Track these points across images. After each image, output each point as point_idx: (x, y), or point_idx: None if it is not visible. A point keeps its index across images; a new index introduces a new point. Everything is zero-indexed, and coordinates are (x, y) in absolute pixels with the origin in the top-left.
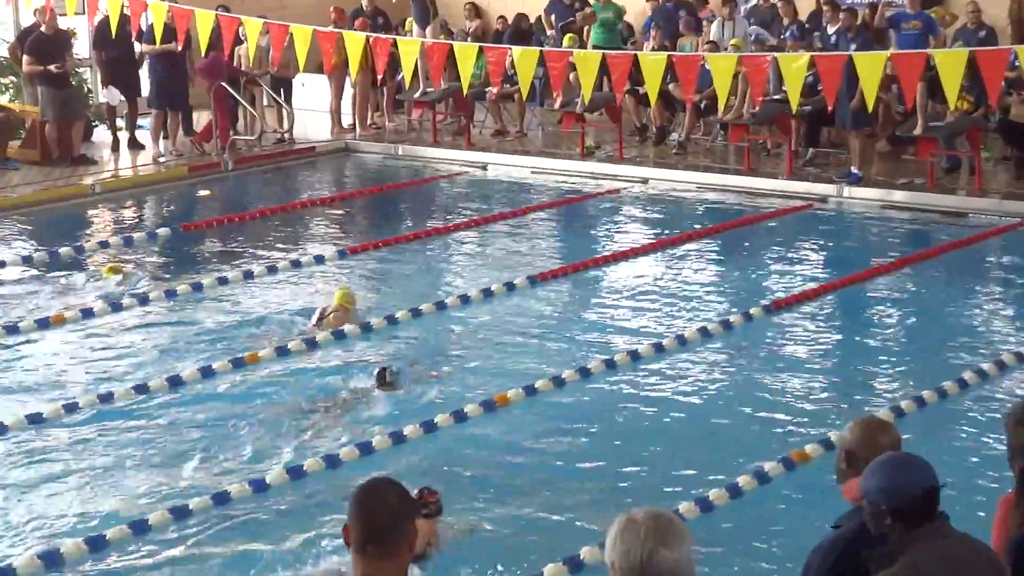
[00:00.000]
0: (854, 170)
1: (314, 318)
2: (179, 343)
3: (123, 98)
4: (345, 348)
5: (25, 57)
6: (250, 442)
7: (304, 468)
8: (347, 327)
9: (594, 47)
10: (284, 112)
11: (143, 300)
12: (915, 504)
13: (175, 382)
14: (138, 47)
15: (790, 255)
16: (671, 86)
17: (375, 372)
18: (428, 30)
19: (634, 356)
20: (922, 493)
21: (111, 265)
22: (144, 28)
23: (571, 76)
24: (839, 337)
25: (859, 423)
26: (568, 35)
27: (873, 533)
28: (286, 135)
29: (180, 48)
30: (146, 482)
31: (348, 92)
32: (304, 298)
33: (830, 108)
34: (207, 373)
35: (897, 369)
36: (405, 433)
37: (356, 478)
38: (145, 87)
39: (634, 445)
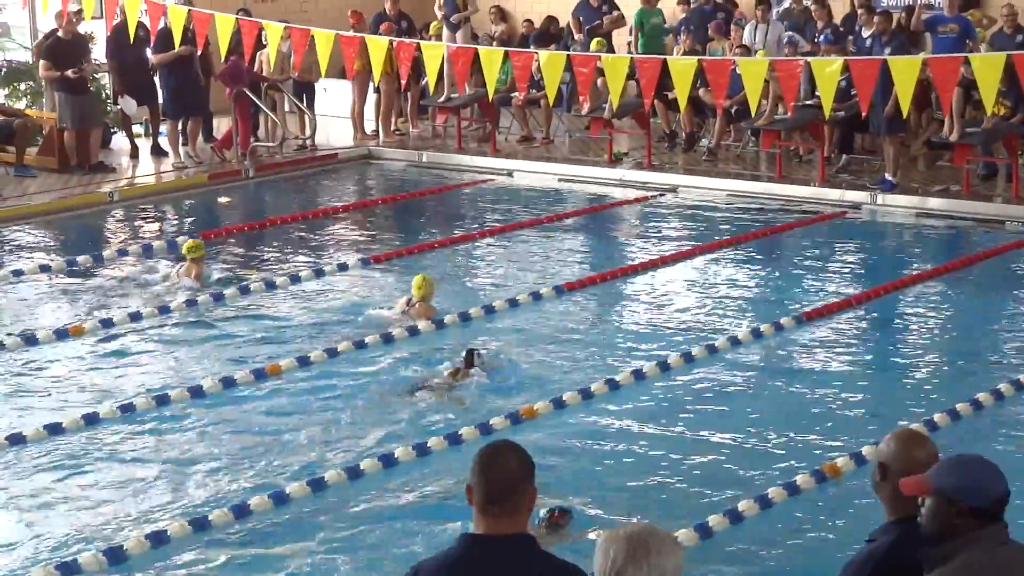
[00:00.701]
0: (888, 177)
1: (397, 308)
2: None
3: (140, 106)
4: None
5: (42, 62)
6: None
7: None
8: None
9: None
10: (306, 118)
11: (164, 310)
12: (992, 504)
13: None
14: (150, 55)
15: (822, 264)
16: (701, 91)
17: (463, 354)
18: (459, 34)
19: (663, 367)
20: (1000, 494)
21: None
22: (155, 35)
23: (599, 81)
24: (872, 348)
25: (895, 435)
26: (596, 39)
27: (929, 531)
28: (308, 142)
29: (199, 52)
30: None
31: (371, 98)
32: (321, 308)
33: (864, 113)
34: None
35: (932, 381)
36: (492, 424)
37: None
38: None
39: (663, 455)
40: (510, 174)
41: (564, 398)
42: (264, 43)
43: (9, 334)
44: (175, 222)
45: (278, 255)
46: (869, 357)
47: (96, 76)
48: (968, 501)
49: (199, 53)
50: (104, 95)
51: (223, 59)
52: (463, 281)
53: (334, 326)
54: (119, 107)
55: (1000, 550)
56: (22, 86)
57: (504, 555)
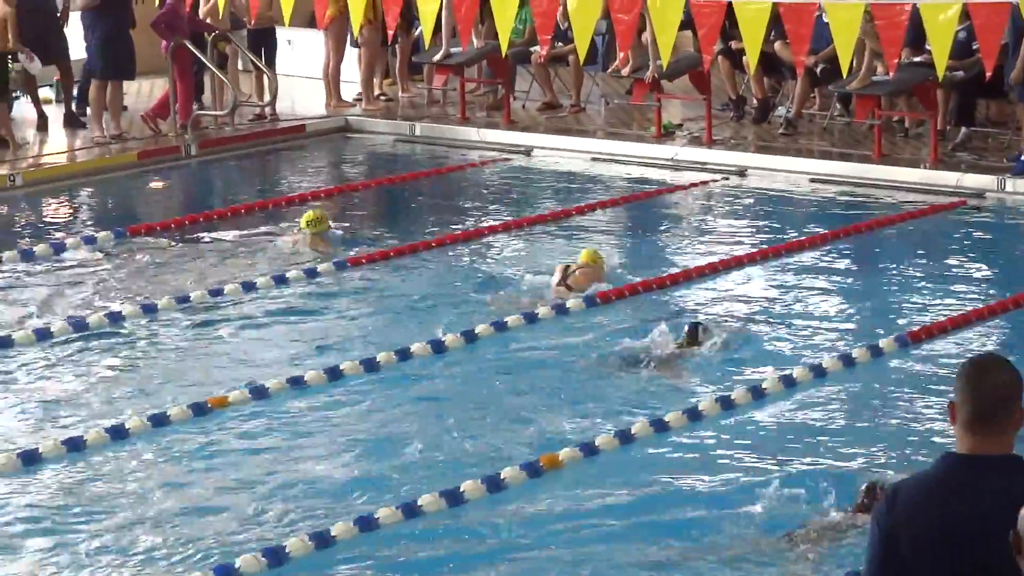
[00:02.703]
0: (1021, 155)
1: (556, 278)
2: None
3: (47, 64)
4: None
5: None
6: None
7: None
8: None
9: None
10: (264, 79)
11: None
12: None
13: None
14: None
15: (934, 269)
16: (777, 45)
17: (686, 329)
18: None
19: (725, 404)
20: None
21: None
22: None
23: (644, 33)
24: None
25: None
26: None
27: None
28: (267, 109)
29: None
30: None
31: (350, 53)
32: (282, 325)
33: (989, 74)
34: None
35: None
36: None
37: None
38: (78, 50)
39: (720, 509)
40: (528, 152)
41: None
42: None
43: None
44: (93, 213)
45: (223, 251)
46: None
47: None
48: None
49: None
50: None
51: (157, 1)
52: (463, 286)
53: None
54: (19, 65)
55: None
56: None
57: (990, 475)
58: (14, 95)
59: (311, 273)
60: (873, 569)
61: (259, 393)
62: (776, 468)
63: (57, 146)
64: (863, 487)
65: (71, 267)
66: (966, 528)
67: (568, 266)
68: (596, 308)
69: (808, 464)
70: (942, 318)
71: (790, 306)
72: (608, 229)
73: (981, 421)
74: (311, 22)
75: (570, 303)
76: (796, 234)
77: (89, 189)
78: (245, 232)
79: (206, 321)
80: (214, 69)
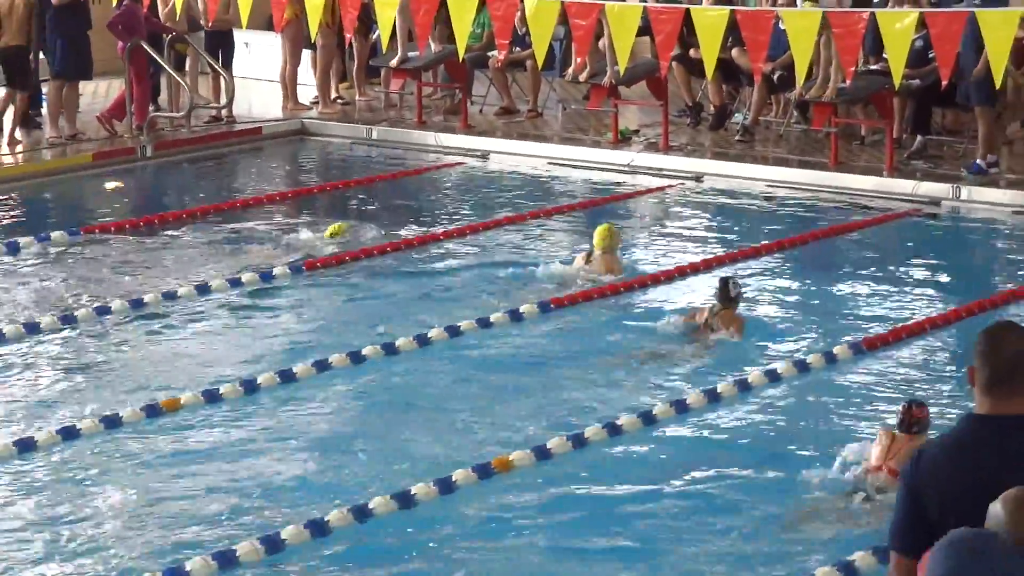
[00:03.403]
0: (979, 161)
1: (578, 262)
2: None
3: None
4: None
5: None
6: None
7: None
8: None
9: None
10: (221, 81)
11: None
12: None
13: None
14: None
15: (889, 277)
16: (734, 52)
17: (718, 283)
18: None
19: (679, 407)
20: None
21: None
22: None
23: (601, 39)
24: (952, 387)
25: (1005, 496)
26: None
27: None
28: (223, 111)
29: None
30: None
31: (307, 56)
32: (243, 326)
33: (945, 82)
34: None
35: None
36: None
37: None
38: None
39: (662, 521)
40: (485, 156)
41: (548, 446)
42: None
43: None
44: (44, 216)
45: (178, 254)
46: (948, 399)
47: None
48: None
49: None
50: None
51: (115, 2)
52: (421, 294)
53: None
54: None
55: None
56: None
57: (1012, 434)
58: None
59: (266, 276)
60: (900, 527)
61: (212, 396)
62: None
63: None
64: (901, 407)
65: (24, 267)
66: (989, 486)
67: (589, 251)
68: (550, 312)
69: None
70: (895, 325)
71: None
72: (564, 234)
73: (1000, 384)
74: (268, 25)
75: (524, 309)
76: (751, 240)
77: (44, 190)
78: (199, 234)
79: (159, 323)
80: (170, 71)
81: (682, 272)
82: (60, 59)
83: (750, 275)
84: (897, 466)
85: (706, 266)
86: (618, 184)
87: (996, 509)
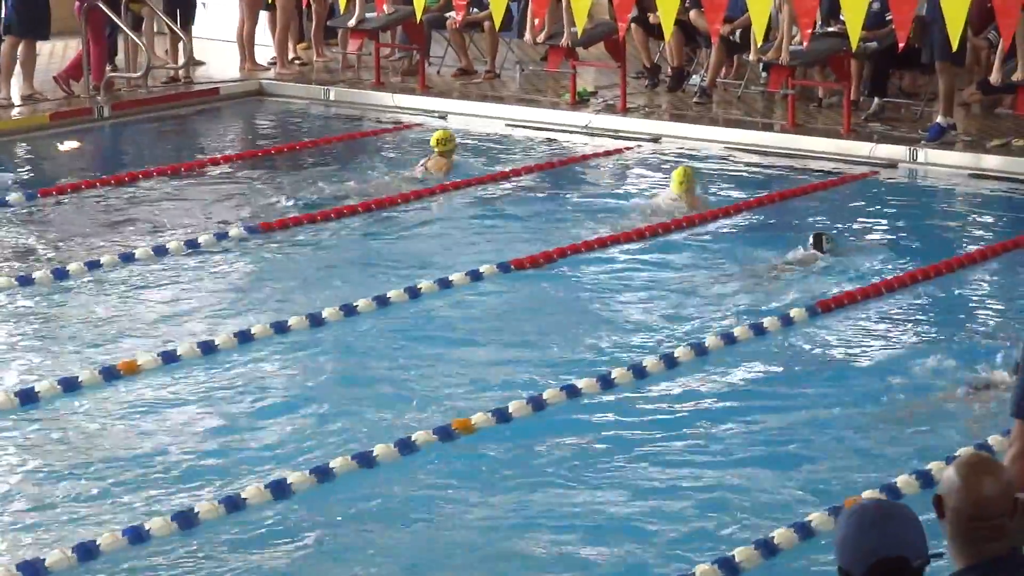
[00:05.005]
0: (940, 120)
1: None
2: None
3: None
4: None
5: None
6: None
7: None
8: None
9: None
10: (179, 42)
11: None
12: (867, 571)
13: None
14: None
15: (847, 239)
16: (692, 13)
17: (811, 237)
18: None
19: (637, 372)
20: (871, 564)
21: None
22: None
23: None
24: (910, 349)
25: (959, 462)
26: None
27: None
28: (181, 72)
29: None
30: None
31: (264, 16)
32: (194, 289)
33: (902, 44)
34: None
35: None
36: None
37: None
38: None
39: (630, 488)
40: (443, 117)
41: (510, 409)
42: None
43: None
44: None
45: (135, 215)
46: (903, 362)
47: None
48: (839, 561)
49: None
50: None
51: None
52: (374, 260)
53: None
54: None
55: None
56: None
57: None
58: None
59: (221, 236)
60: (1020, 394)
61: (170, 357)
62: None
63: None
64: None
65: None
66: None
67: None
68: (510, 273)
69: None
70: (850, 289)
71: (698, 275)
72: (522, 195)
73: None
74: None
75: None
76: (711, 202)
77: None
78: (155, 195)
79: (116, 285)
80: (128, 31)
81: (641, 235)
82: (13, 15)
83: (707, 239)
84: None
85: (664, 229)
86: (576, 146)
87: (949, 473)
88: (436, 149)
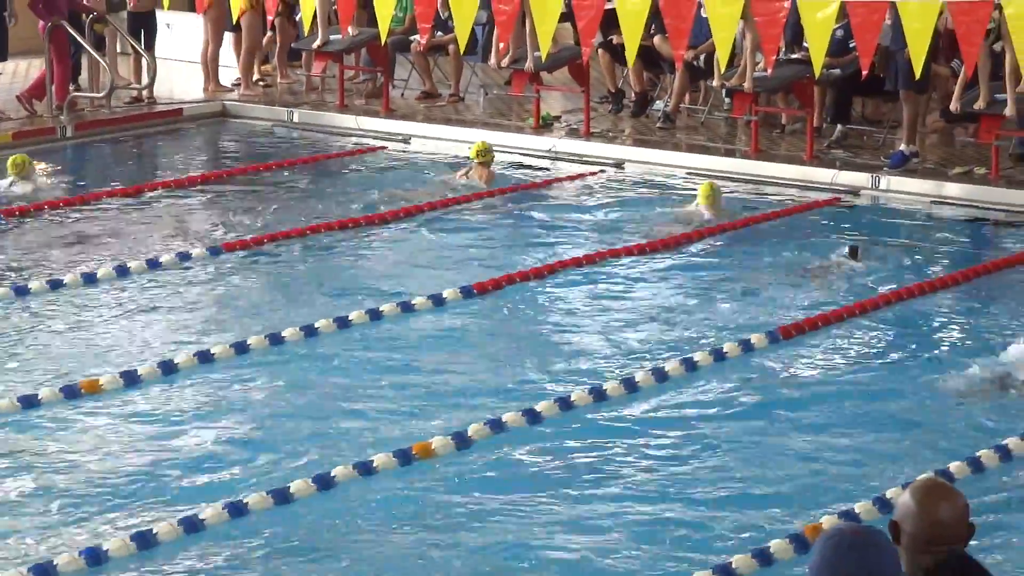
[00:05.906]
0: (903, 148)
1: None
2: None
3: None
4: None
5: None
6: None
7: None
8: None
9: None
10: (143, 62)
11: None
12: None
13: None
14: None
15: (808, 265)
16: (656, 39)
17: (848, 248)
18: None
19: (598, 395)
20: None
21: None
22: None
23: (525, 23)
24: (871, 376)
25: (914, 487)
26: None
27: None
28: (144, 92)
29: None
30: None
31: (228, 38)
32: (155, 309)
33: (865, 72)
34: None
35: (953, 420)
36: None
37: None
38: None
39: (588, 518)
40: (407, 140)
41: (470, 432)
42: None
43: None
44: None
45: (97, 235)
46: (866, 388)
47: None
48: None
49: None
50: None
51: None
52: (337, 279)
53: None
54: None
55: None
56: None
57: None
58: None
59: (184, 257)
60: None
61: (131, 378)
62: None
63: None
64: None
65: None
66: None
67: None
68: (473, 297)
69: None
70: (812, 314)
71: (665, 299)
72: (485, 220)
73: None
74: (190, 6)
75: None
76: (671, 229)
77: None
78: (118, 216)
79: (78, 305)
80: (91, 51)
81: (602, 257)
82: None
83: (669, 265)
84: None
85: (614, 255)
86: (539, 171)
87: (905, 499)
88: (476, 160)
